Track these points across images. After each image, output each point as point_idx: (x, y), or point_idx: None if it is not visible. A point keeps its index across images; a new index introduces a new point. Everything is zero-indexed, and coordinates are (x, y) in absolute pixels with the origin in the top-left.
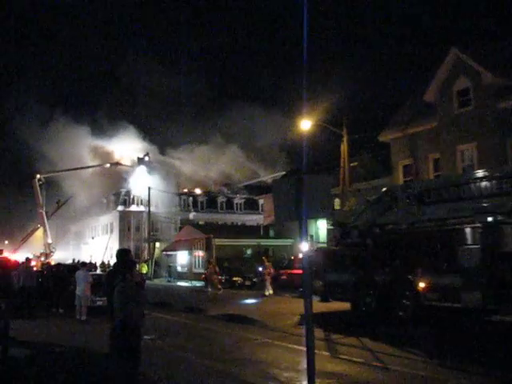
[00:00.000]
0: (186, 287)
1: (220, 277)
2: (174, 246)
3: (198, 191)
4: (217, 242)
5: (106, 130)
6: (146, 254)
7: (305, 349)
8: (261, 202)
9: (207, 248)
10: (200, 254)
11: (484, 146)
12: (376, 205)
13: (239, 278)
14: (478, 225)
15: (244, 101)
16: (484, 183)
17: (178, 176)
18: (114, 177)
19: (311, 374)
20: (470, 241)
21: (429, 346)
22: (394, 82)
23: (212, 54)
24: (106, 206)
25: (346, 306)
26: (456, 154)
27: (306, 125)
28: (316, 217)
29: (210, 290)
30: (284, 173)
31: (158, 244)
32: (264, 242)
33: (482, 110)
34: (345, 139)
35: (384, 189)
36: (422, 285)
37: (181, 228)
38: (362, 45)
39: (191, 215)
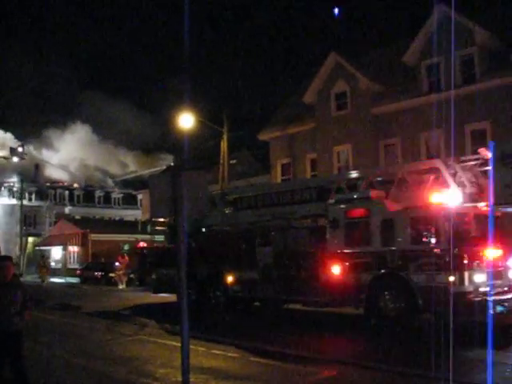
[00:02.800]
0: (60, 284)
1: (102, 272)
2: (49, 241)
3: (74, 185)
4: (93, 237)
5: None
6: (17, 250)
7: (179, 344)
8: (139, 197)
9: (83, 243)
10: (75, 249)
11: (359, 147)
12: None
13: (115, 274)
14: (272, 228)
15: (114, 96)
16: (282, 193)
17: (48, 168)
18: None
19: (185, 370)
20: (265, 242)
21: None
22: (276, 82)
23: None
24: None
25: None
26: (332, 154)
27: (186, 120)
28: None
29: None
30: (164, 167)
31: (30, 239)
32: (142, 237)
33: (357, 113)
34: (225, 136)
35: None
36: (229, 279)
37: (55, 222)
38: (243, 43)
39: (67, 209)
